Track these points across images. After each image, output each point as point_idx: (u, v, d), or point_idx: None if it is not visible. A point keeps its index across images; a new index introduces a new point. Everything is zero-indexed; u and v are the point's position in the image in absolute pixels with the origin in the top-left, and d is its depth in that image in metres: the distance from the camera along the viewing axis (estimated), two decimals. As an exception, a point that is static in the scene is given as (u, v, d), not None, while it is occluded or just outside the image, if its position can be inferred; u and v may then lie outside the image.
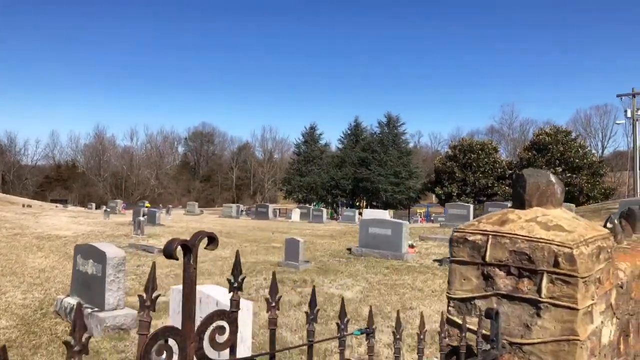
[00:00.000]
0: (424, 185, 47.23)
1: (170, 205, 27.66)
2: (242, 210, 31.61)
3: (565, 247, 1.71)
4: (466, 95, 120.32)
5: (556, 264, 1.71)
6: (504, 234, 1.84)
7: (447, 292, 2.03)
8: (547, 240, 1.75)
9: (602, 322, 1.92)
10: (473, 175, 41.24)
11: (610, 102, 72.96)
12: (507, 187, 41.33)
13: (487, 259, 1.86)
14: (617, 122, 41.81)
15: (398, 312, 1.86)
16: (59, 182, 71.86)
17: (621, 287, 2.24)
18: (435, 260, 11.19)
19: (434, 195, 47.62)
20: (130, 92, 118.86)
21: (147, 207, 25.81)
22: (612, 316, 2.08)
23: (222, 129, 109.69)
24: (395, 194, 46.70)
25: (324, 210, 24.81)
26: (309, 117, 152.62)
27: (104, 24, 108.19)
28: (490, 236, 1.88)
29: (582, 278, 1.69)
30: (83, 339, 0.72)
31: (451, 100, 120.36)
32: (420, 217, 46.40)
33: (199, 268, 10.89)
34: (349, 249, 12.61)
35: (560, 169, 38.97)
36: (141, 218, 14.67)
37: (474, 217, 21.35)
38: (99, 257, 6.20)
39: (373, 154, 47.30)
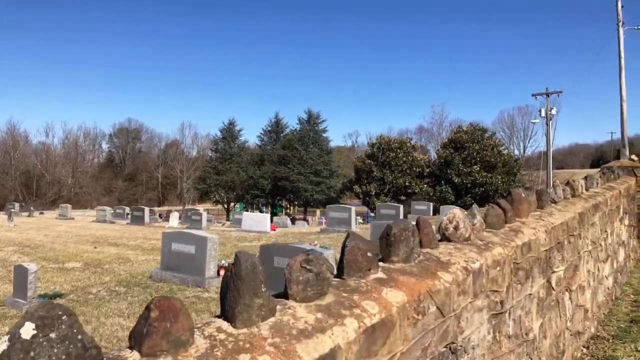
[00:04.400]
0: (344, 184, 45.48)
1: (12, 208, 23.96)
2: (127, 214, 28.40)
3: None
4: (399, 95, 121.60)
5: None
6: None
7: None
8: None
9: None
10: (391, 174, 39.84)
11: (531, 103, 74.72)
12: (425, 186, 40.23)
13: None
14: (533, 121, 41.76)
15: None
16: (-42, 181, 64.84)
17: None
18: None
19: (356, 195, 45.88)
20: (48, 86, 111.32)
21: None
22: None
23: (150, 126, 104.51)
24: (316, 193, 44.71)
25: (204, 214, 22.23)
26: (232, 113, 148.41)
27: (19, 10, 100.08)
28: None
29: None
30: None
31: (385, 99, 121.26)
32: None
33: None
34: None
35: (477, 167, 38.27)
36: None
37: (355, 222, 19.72)
38: None
39: (293, 151, 45.06)
